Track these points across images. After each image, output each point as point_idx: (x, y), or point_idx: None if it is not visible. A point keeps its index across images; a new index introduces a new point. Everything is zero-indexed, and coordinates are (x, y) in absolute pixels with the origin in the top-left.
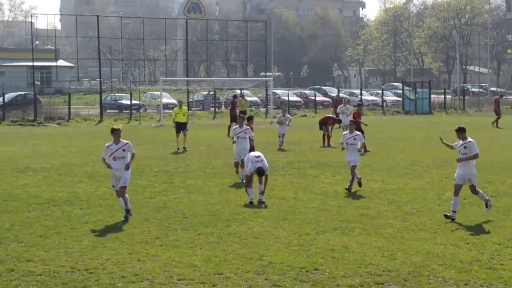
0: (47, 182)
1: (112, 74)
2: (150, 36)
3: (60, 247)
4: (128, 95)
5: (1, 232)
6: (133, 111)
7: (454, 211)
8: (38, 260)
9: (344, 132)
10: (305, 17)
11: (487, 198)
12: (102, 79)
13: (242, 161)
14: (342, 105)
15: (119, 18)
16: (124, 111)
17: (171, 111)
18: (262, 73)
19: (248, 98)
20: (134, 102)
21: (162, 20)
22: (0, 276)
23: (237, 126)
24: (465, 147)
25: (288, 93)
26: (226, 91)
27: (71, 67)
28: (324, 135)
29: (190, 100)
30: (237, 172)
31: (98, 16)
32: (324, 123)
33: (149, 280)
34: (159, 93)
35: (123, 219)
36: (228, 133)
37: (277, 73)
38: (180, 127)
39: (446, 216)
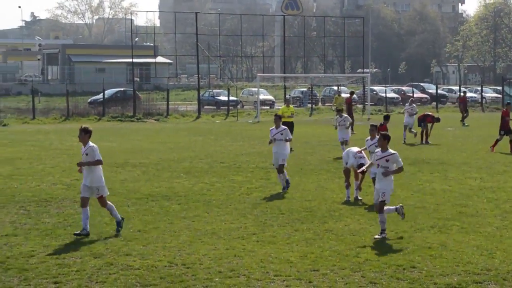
0: (145, 177)
1: (210, 70)
2: (248, 33)
3: (158, 242)
4: (226, 92)
5: (101, 227)
6: (230, 107)
7: None
8: (137, 254)
9: (367, 138)
10: (403, 13)
11: None
12: (200, 76)
13: (280, 166)
14: (407, 104)
15: (217, 15)
16: (221, 107)
17: (267, 107)
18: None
19: (345, 95)
20: (231, 98)
21: (260, 16)
22: (99, 269)
23: (274, 127)
24: None
25: (385, 90)
26: (323, 88)
27: (169, 64)
28: (422, 132)
29: (287, 96)
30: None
31: (196, 13)
32: (423, 120)
33: (246, 276)
34: (256, 89)
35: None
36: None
37: (374, 70)
38: (288, 127)
39: None
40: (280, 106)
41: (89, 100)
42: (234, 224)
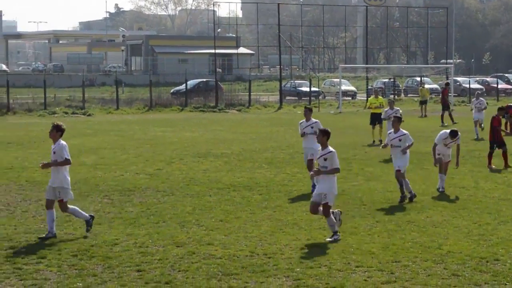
0: (227, 168)
1: (291, 61)
2: (330, 24)
3: (240, 232)
4: (308, 82)
5: (183, 216)
6: (312, 98)
7: None
8: (219, 243)
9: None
10: (488, 3)
11: None
12: (282, 66)
13: (309, 161)
14: (474, 99)
15: (299, 6)
16: (303, 98)
17: (349, 98)
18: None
19: (428, 86)
20: (313, 89)
21: (342, 7)
22: (181, 258)
23: (303, 120)
24: None
25: (469, 81)
26: (406, 79)
27: (251, 54)
28: (506, 123)
29: (369, 87)
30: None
31: (278, 4)
32: (507, 112)
33: (327, 266)
34: (338, 80)
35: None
36: (442, 119)
37: (458, 60)
38: (376, 118)
39: None
40: (362, 98)
41: (171, 91)
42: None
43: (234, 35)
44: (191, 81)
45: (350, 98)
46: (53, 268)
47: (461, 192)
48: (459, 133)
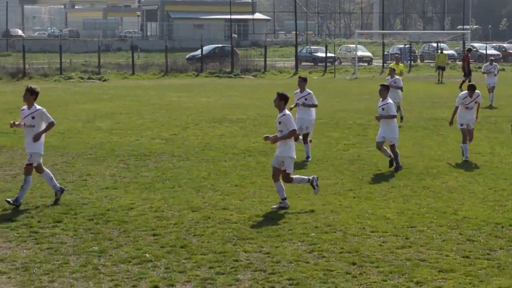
0: (243, 133)
1: (307, 27)
2: None
3: (255, 197)
4: (323, 48)
5: (199, 181)
6: (328, 64)
7: None
8: (234, 208)
9: (296, 91)
10: None
11: None
12: (297, 32)
13: (304, 135)
14: (487, 63)
15: None
16: (319, 64)
17: (365, 64)
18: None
19: (447, 52)
20: (329, 55)
21: None
22: (197, 223)
23: (298, 90)
24: None
25: (486, 47)
26: (422, 45)
27: (267, 20)
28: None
29: (385, 53)
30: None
31: None
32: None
33: (342, 231)
34: (354, 46)
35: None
36: (461, 86)
37: (474, 26)
38: None
39: None
40: (378, 63)
41: (187, 56)
42: (330, 180)
43: (250, 1)
44: (207, 46)
45: (366, 64)
46: (69, 232)
47: (477, 158)
48: (477, 90)
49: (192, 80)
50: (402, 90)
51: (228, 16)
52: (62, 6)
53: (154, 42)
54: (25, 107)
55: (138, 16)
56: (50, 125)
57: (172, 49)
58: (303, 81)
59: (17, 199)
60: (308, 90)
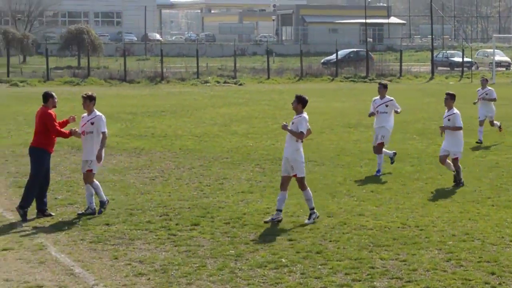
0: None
1: (443, 31)
2: None
3: (391, 203)
4: (460, 53)
5: (334, 186)
6: (464, 69)
7: None
8: (370, 214)
9: (375, 98)
10: None
11: None
12: (433, 36)
13: (379, 145)
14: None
15: None
16: (455, 69)
17: (503, 68)
18: None
19: None
20: (466, 59)
21: None
22: (333, 228)
23: (378, 97)
24: None
25: None
26: None
27: (402, 24)
28: None
29: None
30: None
31: None
32: None
33: (480, 240)
34: (491, 50)
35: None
36: None
37: None
38: None
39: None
40: None
41: (322, 61)
42: (468, 187)
43: (385, 5)
44: (342, 51)
45: (504, 69)
46: (206, 235)
47: None
48: None
49: (327, 84)
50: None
51: (363, 20)
52: (199, 11)
53: (289, 47)
54: (85, 114)
55: (273, 20)
56: (103, 137)
57: (307, 53)
58: (383, 88)
59: (102, 202)
60: (389, 97)
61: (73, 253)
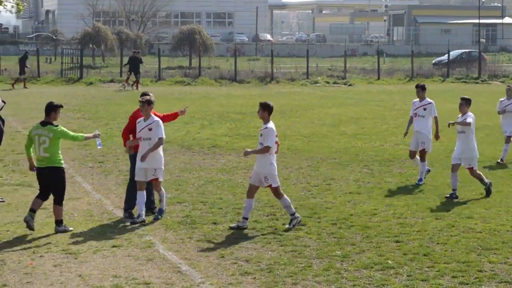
0: (489, 140)
1: None
2: None
3: (501, 206)
4: None
5: (443, 188)
6: None
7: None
8: (478, 217)
9: (414, 101)
10: None
11: None
12: None
13: (421, 152)
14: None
15: None
16: None
17: None
18: None
19: None
20: None
21: None
22: (440, 231)
23: (417, 99)
24: None
25: None
26: None
27: None
28: None
29: None
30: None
31: None
32: None
33: None
34: None
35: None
36: None
37: None
38: None
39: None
40: None
41: (433, 61)
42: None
43: (499, 4)
44: (454, 51)
45: None
46: (313, 236)
47: None
48: None
49: (438, 85)
50: None
51: (476, 21)
52: (310, 11)
53: (400, 47)
54: (141, 119)
55: (385, 20)
56: (159, 141)
57: (418, 54)
58: (421, 90)
59: (161, 210)
60: (429, 99)
61: (181, 251)
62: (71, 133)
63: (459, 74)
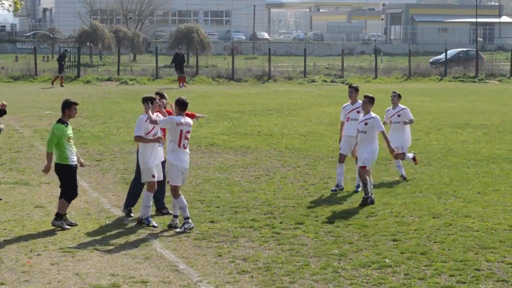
0: (486, 139)
1: None
2: None
3: (498, 205)
4: None
5: (440, 187)
6: None
7: None
8: (476, 216)
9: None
10: None
11: None
12: None
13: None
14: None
15: None
16: None
17: None
18: None
19: None
20: None
21: None
22: (438, 229)
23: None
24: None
25: None
26: None
27: None
28: None
29: None
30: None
31: None
32: None
33: None
34: None
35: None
36: None
37: None
38: None
39: None
40: None
41: (430, 60)
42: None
43: (496, 4)
44: (451, 50)
45: None
46: (310, 234)
47: None
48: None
49: (435, 84)
50: None
51: (474, 20)
52: (308, 10)
53: (397, 46)
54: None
55: (382, 19)
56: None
57: (416, 52)
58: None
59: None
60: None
61: (178, 250)
62: (52, 139)
63: (457, 73)
